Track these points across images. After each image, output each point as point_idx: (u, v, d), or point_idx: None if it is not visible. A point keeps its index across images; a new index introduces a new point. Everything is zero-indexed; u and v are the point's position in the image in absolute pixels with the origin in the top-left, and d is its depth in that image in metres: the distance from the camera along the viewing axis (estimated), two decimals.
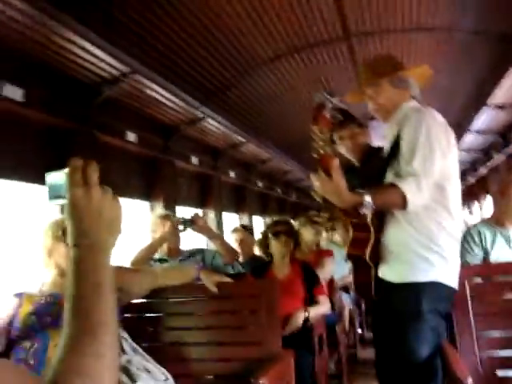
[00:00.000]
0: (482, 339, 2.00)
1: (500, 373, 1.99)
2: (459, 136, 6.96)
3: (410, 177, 1.75)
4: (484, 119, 5.80)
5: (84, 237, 0.84)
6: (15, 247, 2.95)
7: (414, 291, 1.85)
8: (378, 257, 2.02)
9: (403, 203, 1.74)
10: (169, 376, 2.08)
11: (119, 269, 2.37)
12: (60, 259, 2.17)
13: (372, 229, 2.01)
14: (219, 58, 3.92)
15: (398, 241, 1.94)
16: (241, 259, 4.15)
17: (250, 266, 3.92)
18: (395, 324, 1.92)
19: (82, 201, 0.85)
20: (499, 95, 4.80)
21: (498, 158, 6.67)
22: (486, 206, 8.44)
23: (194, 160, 4.89)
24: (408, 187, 1.73)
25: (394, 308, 1.93)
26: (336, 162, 1.70)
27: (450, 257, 1.88)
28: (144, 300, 2.42)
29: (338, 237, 5.05)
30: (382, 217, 1.98)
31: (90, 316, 0.78)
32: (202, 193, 5.44)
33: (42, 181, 2.51)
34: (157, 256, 3.51)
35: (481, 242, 2.43)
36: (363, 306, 5.17)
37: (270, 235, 3.27)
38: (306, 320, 2.92)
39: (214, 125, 4.59)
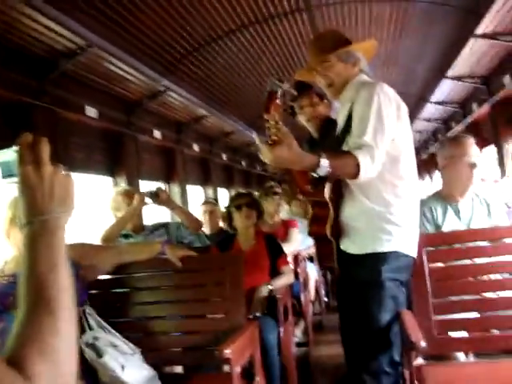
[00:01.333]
0: (436, 304, 2.10)
1: (452, 334, 2.10)
2: (420, 106, 7.12)
3: (365, 147, 1.79)
4: (444, 90, 5.94)
5: (36, 214, 0.84)
6: None
7: (375, 261, 1.92)
8: (338, 231, 2.08)
9: (356, 171, 1.76)
10: (136, 350, 2.12)
11: (83, 245, 2.35)
12: (20, 238, 2.14)
13: (331, 205, 2.07)
14: (179, 28, 3.85)
15: (357, 214, 1.99)
16: (207, 232, 4.18)
17: (216, 239, 3.96)
18: (358, 293, 1.99)
19: (32, 178, 0.84)
20: (459, 67, 4.91)
21: (457, 129, 6.89)
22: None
23: (157, 134, 4.84)
24: (362, 156, 1.75)
25: (357, 278, 2.00)
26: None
27: (408, 226, 1.95)
28: (110, 276, 2.42)
29: (297, 209, 5.11)
30: (339, 193, 2.03)
31: (46, 293, 0.78)
32: (166, 166, 5.41)
33: None
34: (121, 232, 3.50)
35: (432, 217, 2.50)
36: (329, 275, 5.28)
37: (232, 208, 3.30)
38: (271, 291, 2.98)
39: (175, 98, 4.55)
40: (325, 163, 1.72)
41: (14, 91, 2.83)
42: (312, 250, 4.67)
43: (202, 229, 4.17)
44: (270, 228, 4.07)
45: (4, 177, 0.90)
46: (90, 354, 1.88)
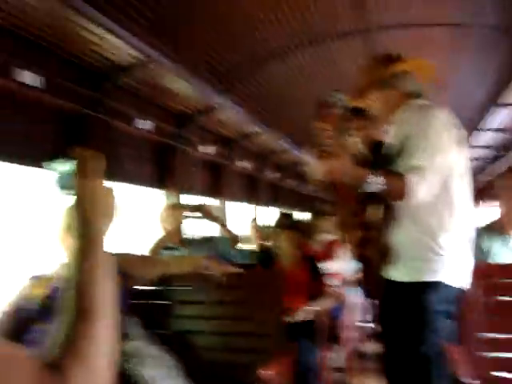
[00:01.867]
0: (487, 340, 1.97)
1: (502, 375, 1.97)
2: (476, 133, 6.88)
3: (416, 170, 1.74)
4: (501, 117, 5.72)
5: (88, 227, 0.87)
6: (32, 231, 2.99)
7: (418, 291, 1.84)
8: (384, 256, 2.01)
9: (405, 193, 1.73)
10: (175, 362, 2.10)
11: (129, 255, 2.39)
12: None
13: (378, 228, 2.01)
14: (236, 47, 3.89)
15: (403, 241, 1.92)
16: (255, 249, 4.22)
17: (258, 257, 3.95)
18: (399, 323, 1.91)
19: (88, 192, 0.89)
20: None
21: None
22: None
23: (207, 149, 4.89)
24: (411, 176, 1.72)
25: (399, 308, 1.92)
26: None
27: (454, 257, 1.85)
28: (154, 287, 2.44)
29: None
30: (388, 217, 1.97)
31: (86, 302, 0.80)
32: (213, 182, 5.45)
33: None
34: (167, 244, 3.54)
35: (485, 250, 2.39)
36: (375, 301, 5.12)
37: (278, 229, 3.31)
38: (309, 314, 2.93)
39: (227, 114, 4.57)
40: (376, 178, 1.69)
41: (70, 101, 2.93)
42: (358, 275, 4.57)
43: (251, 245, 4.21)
44: (318, 246, 4.04)
45: (62, 188, 0.95)
46: (129, 363, 1.88)
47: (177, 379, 1.97)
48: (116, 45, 2.76)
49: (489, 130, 6.35)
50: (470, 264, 1.90)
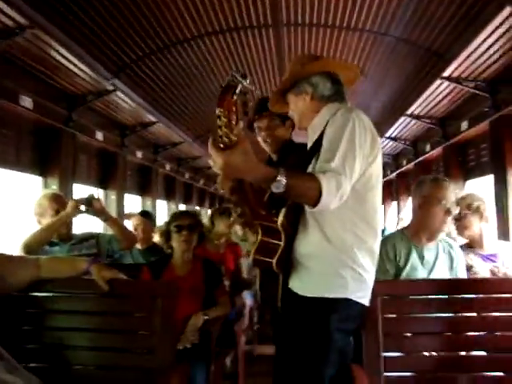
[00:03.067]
0: (389, 359, 1.91)
1: None
2: None
3: (331, 172, 1.57)
4: (398, 126, 5.96)
5: None
6: None
7: (323, 308, 1.71)
8: (287, 265, 1.85)
9: (317, 196, 1.52)
10: None
11: None
12: None
13: (283, 234, 1.84)
14: (138, 28, 3.57)
15: (311, 251, 1.77)
16: (139, 246, 3.86)
17: (149, 256, 3.67)
18: (299, 341, 1.77)
19: None
20: (417, 106, 4.91)
21: (407, 167, 6.97)
22: (390, 212, 8.80)
23: (99, 135, 4.47)
24: (326, 180, 1.53)
25: (301, 323, 1.78)
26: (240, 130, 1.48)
27: (367, 273, 1.75)
28: (23, 293, 2.06)
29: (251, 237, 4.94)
30: (295, 224, 1.82)
31: None
32: (104, 171, 5.03)
33: None
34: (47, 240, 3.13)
35: (395, 258, 2.36)
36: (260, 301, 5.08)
37: (171, 228, 3.01)
38: (205, 323, 2.71)
39: (124, 99, 4.22)
40: (282, 179, 1.49)
41: None
42: (251, 275, 4.50)
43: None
44: (214, 248, 3.86)
45: None
46: None
47: None
48: None
49: (387, 138, 6.61)
50: (373, 280, 1.82)
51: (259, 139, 2.59)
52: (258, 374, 3.87)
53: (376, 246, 1.80)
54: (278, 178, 1.47)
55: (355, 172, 1.63)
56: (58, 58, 3.09)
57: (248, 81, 1.34)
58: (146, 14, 3.44)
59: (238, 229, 4.53)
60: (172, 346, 1.98)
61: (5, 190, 3.64)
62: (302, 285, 1.78)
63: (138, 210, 6.35)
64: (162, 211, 7.56)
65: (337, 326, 1.69)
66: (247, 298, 4.34)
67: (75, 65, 3.26)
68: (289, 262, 1.84)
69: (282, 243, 1.83)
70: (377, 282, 1.86)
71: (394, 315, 1.99)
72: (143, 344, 2.01)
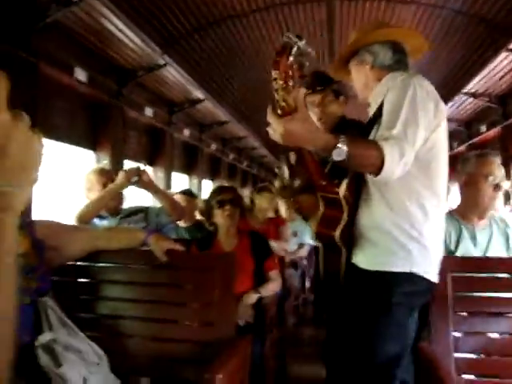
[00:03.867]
0: (458, 340, 1.82)
1: (474, 378, 1.82)
2: None
3: (393, 139, 1.50)
4: (452, 106, 5.72)
5: None
6: None
7: (386, 281, 1.64)
8: (350, 239, 1.79)
9: (379, 164, 1.46)
10: (102, 355, 1.77)
11: (50, 223, 2.00)
12: None
13: (346, 206, 1.77)
14: (189, 1, 3.51)
15: (374, 223, 1.70)
16: (183, 224, 3.86)
17: (194, 232, 3.66)
18: (361, 316, 1.71)
19: None
20: (475, 83, 4.68)
21: (460, 148, 6.68)
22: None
23: (148, 111, 4.47)
24: (389, 148, 1.46)
25: (363, 298, 1.72)
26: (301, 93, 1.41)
27: (433, 246, 1.67)
28: (79, 263, 2.06)
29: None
30: (357, 194, 1.75)
31: None
32: (152, 148, 5.05)
33: None
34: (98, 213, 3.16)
35: (444, 241, 2.25)
36: (307, 283, 5.03)
37: (213, 204, 2.96)
38: (260, 300, 2.67)
39: (173, 75, 4.19)
40: (343, 146, 1.42)
41: None
42: (296, 255, 4.46)
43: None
44: (259, 224, 3.83)
45: None
46: (45, 360, 1.52)
47: (105, 379, 1.65)
48: None
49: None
50: (441, 255, 1.73)
51: (313, 116, 2.52)
52: (303, 356, 3.85)
53: (442, 217, 1.71)
54: (339, 146, 1.41)
55: (418, 138, 1.55)
56: (112, 28, 3.08)
57: (304, 42, 1.27)
58: None
59: (283, 211, 4.46)
60: (231, 319, 1.93)
61: (62, 163, 3.70)
62: (365, 258, 1.71)
63: (185, 188, 6.42)
64: (207, 191, 7.59)
65: (399, 300, 1.63)
66: (293, 277, 4.30)
67: (127, 36, 3.24)
68: (352, 236, 1.78)
69: (344, 215, 1.78)
70: (447, 257, 1.79)
71: (465, 293, 1.90)
72: (201, 317, 1.98)
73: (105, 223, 3.13)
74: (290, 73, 1.28)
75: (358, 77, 1.90)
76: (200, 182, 6.76)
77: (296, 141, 1.42)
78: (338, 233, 1.76)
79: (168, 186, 5.14)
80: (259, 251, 2.88)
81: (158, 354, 1.97)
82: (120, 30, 3.08)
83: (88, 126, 3.69)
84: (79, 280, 2.10)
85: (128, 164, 4.28)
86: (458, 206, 2.33)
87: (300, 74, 1.33)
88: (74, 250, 1.95)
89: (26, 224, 1.92)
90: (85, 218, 2.74)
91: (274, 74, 1.27)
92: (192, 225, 3.84)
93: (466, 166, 2.28)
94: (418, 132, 1.54)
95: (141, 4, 3.13)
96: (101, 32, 3.09)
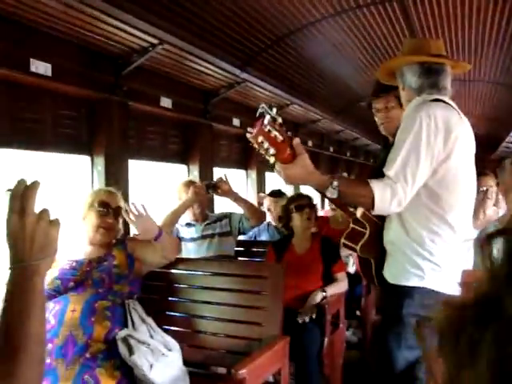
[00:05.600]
0: None
1: None
2: None
3: (388, 180, 1.67)
4: None
5: (17, 261, 0.90)
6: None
7: (400, 295, 1.83)
8: (373, 251, 2.00)
9: (370, 204, 1.67)
10: (174, 347, 2.21)
11: (134, 239, 2.50)
12: (89, 227, 2.34)
13: (367, 224, 1.99)
14: (255, 22, 3.78)
15: (393, 239, 1.90)
16: (274, 223, 4.20)
17: (280, 234, 3.96)
18: (381, 325, 1.93)
19: (16, 227, 0.91)
20: None
21: None
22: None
23: (236, 121, 4.89)
24: (380, 189, 1.65)
25: (383, 308, 1.94)
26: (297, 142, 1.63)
27: (445, 263, 1.80)
28: (166, 270, 2.55)
29: None
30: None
31: (10, 338, 0.85)
32: (244, 154, 5.46)
33: (78, 151, 2.61)
34: (185, 221, 3.63)
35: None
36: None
37: (292, 208, 3.27)
38: (323, 299, 2.96)
39: (256, 87, 4.53)
40: (335, 188, 1.65)
41: (90, 88, 3.02)
42: None
43: (271, 221, 4.20)
44: (337, 225, 4.00)
45: None
46: (123, 350, 2.00)
47: (169, 366, 2.08)
48: (131, 32, 2.81)
49: None
50: (457, 271, 1.85)
51: (376, 120, 2.65)
52: None
53: (454, 241, 1.82)
54: (333, 186, 1.65)
55: (420, 174, 1.69)
56: (188, 63, 3.50)
57: (275, 111, 1.52)
58: (264, 6, 3.66)
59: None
60: (278, 320, 2.26)
61: (159, 178, 4.27)
62: (388, 272, 1.92)
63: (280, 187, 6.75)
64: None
65: (411, 312, 1.80)
66: None
67: (204, 66, 3.65)
68: (381, 248, 1.98)
69: (367, 231, 1.99)
70: (467, 271, 1.88)
71: None
72: (254, 317, 2.34)
73: (192, 230, 3.61)
74: (264, 137, 1.53)
75: (401, 95, 2.04)
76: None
77: (296, 181, 1.71)
78: (358, 246, 2.00)
79: (260, 187, 5.52)
80: (329, 255, 3.17)
81: (221, 347, 2.38)
82: (195, 62, 3.49)
83: (179, 144, 4.19)
84: (161, 284, 2.59)
85: (220, 171, 4.73)
86: (505, 215, 2.36)
87: (284, 130, 1.58)
88: (150, 261, 2.43)
89: (121, 241, 2.44)
90: (164, 227, 3.22)
91: (249, 137, 1.56)
92: (273, 229, 4.20)
93: (502, 175, 2.31)
94: (419, 169, 1.68)
95: (215, 28, 3.48)
96: (181, 63, 3.52)
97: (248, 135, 1.54)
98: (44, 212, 0.94)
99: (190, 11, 2.97)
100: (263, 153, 1.56)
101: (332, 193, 1.65)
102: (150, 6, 2.68)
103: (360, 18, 4.55)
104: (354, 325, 4.12)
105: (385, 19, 4.61)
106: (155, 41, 2.95)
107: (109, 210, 2.31)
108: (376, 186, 1.66)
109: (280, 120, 1.53)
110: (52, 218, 0.96)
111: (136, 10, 2.59)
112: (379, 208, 1.67)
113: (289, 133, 1.59)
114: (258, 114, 1.52)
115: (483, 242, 0.34)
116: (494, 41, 4.73)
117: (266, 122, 1.50)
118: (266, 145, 1.52)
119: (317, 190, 1.78)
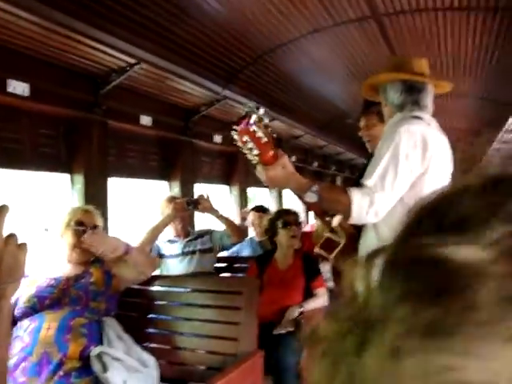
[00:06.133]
0: None
1: None
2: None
3: (366, 189, 1.70)
4: None
5: None
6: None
7: None
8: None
9: (347, 211, 1.68)
10: (150, 363, 2.23)
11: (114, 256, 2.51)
12: (66, 246, 2.36)
13: (342, 232, 2.02)
14: (235, 41, 3.86)
15: (367, 251, 1.92)
16: (257, 238, 4.24)
17: (266, 247, 3.99)
18: None
19: None
20: None
21: None
22: None
23: (217, 138, 4.94)
24: (358, 197, 1.67)
25: None
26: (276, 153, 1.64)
27: None
28: (137, 287, 2.57)
29: None
30: (358, 225, 1.98)
31: None
32: (226, 170, 5.50)
33: (57, 170, 2.62)
34: (167, 237, 3.66)
35: None
36: None
37: (278, 224, 3.31)
38: (300, 314, 2.99)
39: (236, 105, 4.59)
40: (314, 191, 1.67)
41: (69, 107, 3.06)
42: None
43: (253, 236, 4.24)
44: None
45: None
46: (97, 366, 2.02)
47: (140, 380, 2.09)
48: (109, 52, 2.87)
49: None
50: None
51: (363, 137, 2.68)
52: None
53: None
54: (312, 189, 1.67)
55: (397, 186, 1.71)
56: (168, 81, 3.55)
57: (263, 110, 1.55)
58: (244, 24, 3.73)
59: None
60: (253, 334, 2.28)
61: (139, 195, 4.29)
62: None
63: (266, 200, 6.80)
64: (289, 199, 7.90)
65: None
66: None
67: (185, 84, 3.70)
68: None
69: (342, 240, 2.02)
70: None
71: None
72: (230, 333, 2.36)
73: (174, 246, 3.64)
74: (249, 136, 1.56)
75: (383, 111, 2.08)
76: (280, 193, 7.11)
77: (277, 183, 1.72)
78: (332, 256, 2.03)
79: (242, 202, 5.55)
80: (310, 271, 3.21)
81: (197, 363, 2.40)
82: (175, 81, 3.54)
83: (159, 162, 4.22)
84: (139, 301, 2.60)
85: (202, 187, 4.77)
86: None
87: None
88: (126, 277, 2.44)
89: (98, 259, 2.47)
90: (145, 244, 3.24)
91: (234, 136, 1.57)
92: (265, 239, 4.22)
93: None
94: (397, 180, 1.71)
95: (195, 46, 3.53)
96: (161, 81, 3.57)
97: (233, 133, 1.54)
98: (11, 236, 0.96)
99: (169, 30, 3.03)
100: (247, 152, 1.57)
101: (311, 197, 1.68)
102: (128, 26, 2.74)
103: (339, 35, 4.65)
104: None
105: (363, 36, 4.72)
106: (133, 60, 3.00)
107: (85, 230, 2.33)
108: (355, 193, 1.68)
109: (266, 120, 1.55)
110: (20, 242, 0.97)
111: (114, 29, 2.64)
112: (356, 216, 1.69)
113: (274, 134, 1.61)
114: (244, 113, 1.54)
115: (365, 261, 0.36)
116: (476, 57, 4.85)
117: (251, 121, 1.51)
118: (250, 144, 1.54)
119: (296, 194, 1.80)
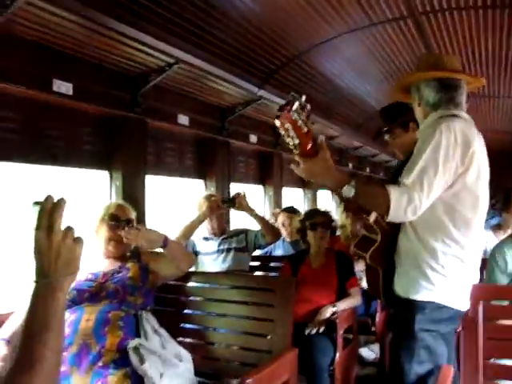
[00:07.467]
0: (488, 367, 1.92)
1: None
2: None
3: (404, 187, 1.67)
4: None
5: (42, 276, 0.95)
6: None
7: (411, 309, 1.83)
8: (383, 261, 1.99)
9: (385, 207, 1.65)
10: (185, 358, 2.26)
11: (149, 252, 2.57)
12: (101, 240, 2.43)
13: (379, 231, 1.99)
14: (271, 42, 3.89)
15: (406, 252, 1.89)
16: (288, 239, 4.24)
17: (298, 247, 3.99)
18: (393, 339, 1.93)
19: (42, 243, 0.96)
20: None
21: None
22: None
23: (253, 138, 4.97)
24: (397, 194, 1.63)
25: (394, 323, 1.94)
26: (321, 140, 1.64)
27: (454, 277, 1.81)
28: (175, 283, 2.61)
29: None
30: (394, 223, 1.93)
31: (29, 352, 0.89)
32: (261, 170, 5.53)
33: (98, 167, 2.67)
34: (202, 235, 3.70)
35: (505, 266, 2.26)
36: None
37: (307, 225, 3.31)
38: (333, 314, 2.97)
39: (271, 105, 4.61)
40: (352, 186, 1.65)
41: (110, 106, 3.15)
42: None
43: (285, 237, 4.24)
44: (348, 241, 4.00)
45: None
46: (134, 359, 2.06)
47: (179, 376, 2.12)
48: (149, 52, 2.96)
49: None
50: (466, 285, 1.85)
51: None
52: None
53: (465, 255, 1.82)
54: (350, 184, 1.65)
55: (436, 185, 1.69)
56: (205, 81, 3.61)
57: (304, 98, 1.53)
58: (280, 25, 3.75)
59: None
60: (288, 332, 2.29)
61: (176, 193, 4.37)
62: (399, 285, 1.91)
63: (300, 200, 6.79)
64: (325, 200, 7.86)
65: (422, 327, 1.79)
66: None
67: (221, 84, 3.75)
68: (390, 259, 1.97)
69: (378, 238, 1.99)
70: (479, 286, 1.88)
71: (497, 321, 1.99)
72: (264, 330, 2.38)
73: (209, 243, 3.68)
74: (291, 124, 1.54)
75: (415, 111, 2.06)
76: (315, 194, 7.09)
77: (313, 176, 1.69)
78: (368, 254, 2.00)
79: (277, 202, 5.56)
80: (343, 270, 3.19)
81: (230, 358, 2.42)
82: (212, 81, 3.59)
83: (196, 160, 4.29)
84: (175, 297, 2.65)
85: (237, 186, 4.80)
86: None
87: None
88: (164, 273, 2.49)
89: (136, 254, 2.52)
90: (180, 240, 3.29)
91: (276, 123, 1.56)
92: (295, 240, 4.22)
93: None
94: (436, 179, 1.68)
95: (232, 47, 3.57)
96: (198, 81, 3.63)
97: (276, 121, 1.52)
98: (69, 230, 0.99)
99: (207, 31, 3.08)
100: (289, 141, 1.55)
101: (349, 191, 1.65)
102: (167, 27, 2.80)
103: (375, 35, 4.61)
104: (370, 340, 4.09)
105: (399, 36, 4.67)
106: (172, 60, 3.07)
107: (119, 223, 2.38)
108: (393, 190, 1.66)
109: (309, 107, 1.53)
110: (76, 235, 1.01)
111: (153, 30, 2.71)
112: (394, 213, 1.66)
113: (314, 126, 1.58)
114: (286, 101, 1.51)
115: None
116: None
117: (294, 107, 1.49)
118: (291, 133, 1.52)
119: (333, 189, 1.78)
